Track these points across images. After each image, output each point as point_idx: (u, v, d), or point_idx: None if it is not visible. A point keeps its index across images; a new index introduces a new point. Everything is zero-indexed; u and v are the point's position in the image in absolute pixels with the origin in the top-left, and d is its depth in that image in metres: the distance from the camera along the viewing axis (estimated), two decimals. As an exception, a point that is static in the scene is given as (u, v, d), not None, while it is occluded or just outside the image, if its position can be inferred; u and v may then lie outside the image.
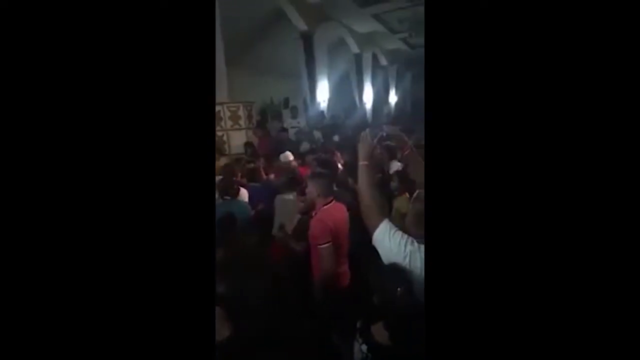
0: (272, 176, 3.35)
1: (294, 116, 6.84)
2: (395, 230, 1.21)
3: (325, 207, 1.97)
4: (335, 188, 2.27)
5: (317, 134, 5.86)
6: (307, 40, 6.89)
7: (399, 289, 1.10)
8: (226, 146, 4.67)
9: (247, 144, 4.54)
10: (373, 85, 9.95)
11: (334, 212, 1.95)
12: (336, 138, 5.43)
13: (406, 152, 1.48)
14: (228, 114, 4.75)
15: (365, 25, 8.37)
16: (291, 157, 3.49)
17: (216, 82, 5.17)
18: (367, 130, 1.41)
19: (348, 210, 2.04)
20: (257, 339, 0.95)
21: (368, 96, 9.73)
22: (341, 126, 6.94)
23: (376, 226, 1.22)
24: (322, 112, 7.34)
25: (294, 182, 2.68)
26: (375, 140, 1.36)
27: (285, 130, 5.83)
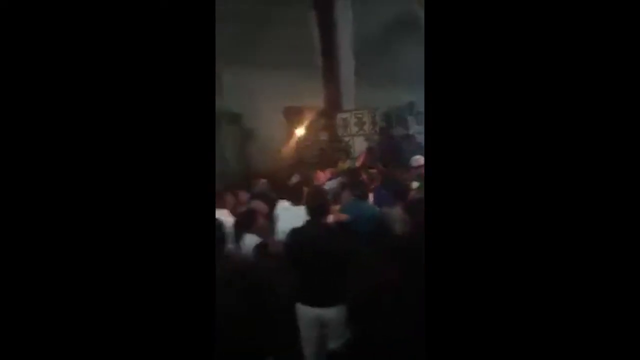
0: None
1: (419, 122, 6.66)
2: None
3: None
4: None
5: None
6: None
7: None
8: (352, 150, 4.87)
9: (369, 150, 4.64)
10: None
11: None
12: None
13: None
14: (354, 120, 4.95)
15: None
16: (422, 161, 3.41)
17: (344, 90, 5.43)
18: None
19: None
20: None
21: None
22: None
23: None
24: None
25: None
26: None
27: (410, 136, 5.74)
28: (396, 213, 2.27)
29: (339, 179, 3.17)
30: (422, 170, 3.18)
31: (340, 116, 5.06)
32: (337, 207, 2.39)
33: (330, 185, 3.11)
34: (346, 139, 4.94)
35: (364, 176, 3.38)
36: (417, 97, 7.70)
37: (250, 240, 1.86)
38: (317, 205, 1.69)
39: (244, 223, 1.96)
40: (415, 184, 2.92)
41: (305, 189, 2.25)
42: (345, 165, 4.24)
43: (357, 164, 4.21)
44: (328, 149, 4.83)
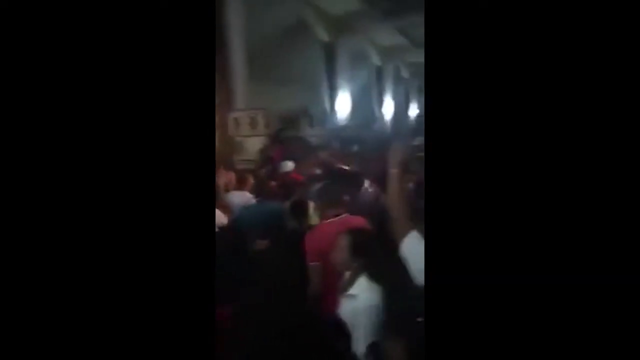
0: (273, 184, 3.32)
1: (312, 125, 6.86)
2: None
3: (328, 221, 1.73)
4: (345, 198, 2.17)
5: (336, 144, 5.85)
6: (329, 51, 6.95)
7: (419, 319, 1.06)
8: (244, 151, 4.75)
9: (261, 151, 4.59)
10: (394, 97, 9.92)
11: (338, 228, 1.60)
12: (355, 148, 5.41)
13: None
14: (247, 120, 4.81)
15: (388, 38, 8.38)
16: (290, 167, 3.46)
17: (238, 90, 5.28)
18: (399, 138, 1.42)
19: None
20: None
21: (388, 108, 9.69)
22: (361, 137, 6.92)
23: (405, 235, 1.18)
24: (342, 122, 7.35)
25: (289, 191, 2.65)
26: (408, 150, 1.34)
27: (300, 139, 5.86)
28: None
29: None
30: (294, 177, 3.27)
31: (232, 115, 4.88)
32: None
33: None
34: (237, 139, 4.77)
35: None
36: (309, 100, 7.98)
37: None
38: None
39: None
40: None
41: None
42: (238, 166, 4.09)
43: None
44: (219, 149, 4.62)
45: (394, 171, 1.29)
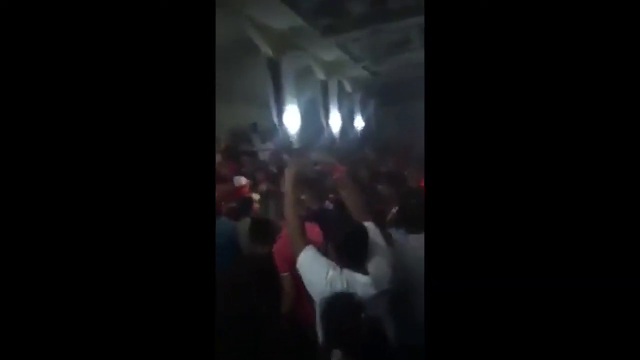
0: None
1: (264, 140, 6.86)
2: (319, 256, 1.22)
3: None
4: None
5: (286, 157, 5.90)
6: (274, 67, 7.03)
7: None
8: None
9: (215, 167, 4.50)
10: (340, 110, 10.22)
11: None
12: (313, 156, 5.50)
13: (336, 176, 1.51)
14: (197, 137, 4.70)
15: (330, 54, 8.68)
16: (244, 182, 3.47)
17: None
18: (293, 155, 1.46)
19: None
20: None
21: (335, 121, 9.96)
22: (311, 149, 7.03)
23: (300, 251, 1.22)
24: (291, 136, 7.42)
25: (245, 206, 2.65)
26: (301, 167, 1.41)
27: (252, 153, 5.83)
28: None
29: None
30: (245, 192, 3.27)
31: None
32: None
33: None
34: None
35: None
36: (258, 116, 7.98)
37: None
38: None
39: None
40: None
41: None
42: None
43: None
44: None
45: (286, 190, 1.35)
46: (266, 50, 6.80)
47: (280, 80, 7.13)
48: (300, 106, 7.84)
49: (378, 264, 1.26)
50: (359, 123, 12.17)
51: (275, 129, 7.42)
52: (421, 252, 1.72)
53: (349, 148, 8.54)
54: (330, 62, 9.34)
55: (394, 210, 2.43)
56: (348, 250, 1.25)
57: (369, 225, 1.35)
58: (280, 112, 7.24)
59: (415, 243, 1.83)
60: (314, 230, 1.83)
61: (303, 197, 2.28)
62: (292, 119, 7.40)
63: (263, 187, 3.34)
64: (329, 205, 2.50)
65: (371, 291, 1.19)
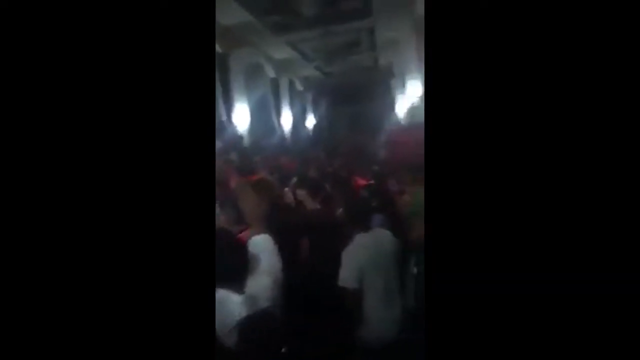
0: None
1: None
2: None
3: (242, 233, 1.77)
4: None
5: (234, 155, 5.77)
6: (222, 63, 6.85)
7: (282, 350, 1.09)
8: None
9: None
10: (291, 109, 10.20)
11: None
12: (257, 159, 5.41)
13: (233, 184, 1.53)
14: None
15: (281, 52, 8.63)
16: None
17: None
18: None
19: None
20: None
21: (287, 119, 9.92)
22: (261, 148, 6.94)
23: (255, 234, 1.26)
24: (241, 134, 7.28)
25: None
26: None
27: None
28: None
29: None
30: None
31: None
32: None
33: None
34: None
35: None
36: (206, 113, 7.73)
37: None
38: None
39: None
40: None
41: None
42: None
43: None
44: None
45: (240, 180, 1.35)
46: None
47: (228, 77, 6.96)
48: (249, 103, 7.72)
49: (257, 282, 1.15)
50: (310, 122, 12.23)
51: (223, 126, 7.23)
52: (369, 252, 1.83)
53: (300, 147, 8.55)
54: (281, 61, 9.28)
55: (340, 210, 2.48)
56: (223, 268, 1.16)
57: (263, 237, 1.25)
58: (228, 109, 7.06)
59: (361, 240, 1.89)
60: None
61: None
62: (241, 116, 7.25)
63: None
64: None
65: (243, 312, 1.05)
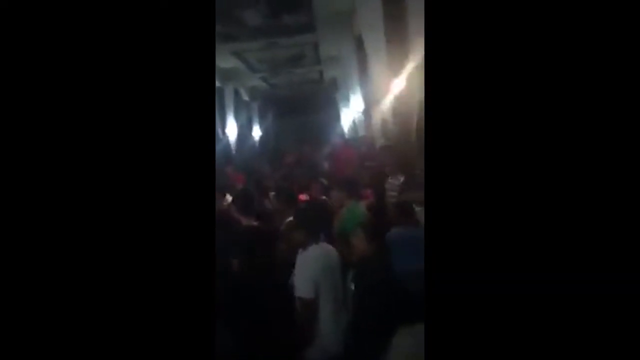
0: None
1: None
2: None
3: None
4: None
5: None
6: (164, 70, 6.60)
7: None
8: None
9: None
10: (236, 119, 10.06)
11: None
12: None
13: None
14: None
15: (226, 61, 8.52)
16: None
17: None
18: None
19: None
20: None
21: (232, 129, 9.77)
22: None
23: None
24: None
25: None
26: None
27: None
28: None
29: None
30: None
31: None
32: None
33: None
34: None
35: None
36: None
37: None
38: None
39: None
40: None
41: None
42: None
43: None
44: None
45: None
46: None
47: (170, 84, 6.72)
48: (192, 112, 7.49)
49: None
50: (256, 132, 12.14)
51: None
52: (321, 264, 1.86)
53: (244, 158, 8.44)
54: (226, 70, 9.16)
55: (288, 220, 2.49)
56: None
57: None
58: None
59: (314, 252, 1.91)
60: None
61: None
62: (183, 125, 7.02)
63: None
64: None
65: None
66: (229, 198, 2.79)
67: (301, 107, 12.43)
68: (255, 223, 2.47)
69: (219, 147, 8.85)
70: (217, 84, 9.12)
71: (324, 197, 3.27)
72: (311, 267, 1.85)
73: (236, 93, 10.51)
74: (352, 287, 1.81)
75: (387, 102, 3.93)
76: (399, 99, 3.57)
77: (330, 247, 2.06)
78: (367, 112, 6.53)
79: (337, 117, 10.43)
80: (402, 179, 3.03)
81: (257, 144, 11.75)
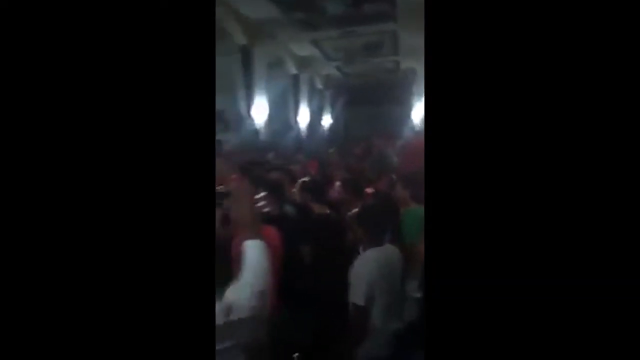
0: None
1: (227, 130, 6.73)
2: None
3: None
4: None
5: (251, 151, 5.83)
6: (246, 55, 6.91)
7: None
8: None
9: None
10: (309, 106, 10.23)
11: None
12: (271, 156, 5.45)
13: (231, 185, 1.41)
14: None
15: (304, 49, 8.66)
16: None
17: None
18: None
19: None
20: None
21: (304, 117, 9.95)
22: (276, 144, 6.99)
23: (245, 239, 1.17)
24: (257, 128, 7.33)
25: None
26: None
27: (217, 142, 5.70)
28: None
29: None
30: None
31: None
32: None
33: None
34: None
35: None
36: (225, 104, 7.81)
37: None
38: None
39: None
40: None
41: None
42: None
43: None
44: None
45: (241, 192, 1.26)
46: (239, 38, 6.66)
47: (251, 70, 7.01)
48: (269, 98, 7.76)
49: (236, 291, 1.10)
50: (327, 121, 12.24)
51: (241, 119, 7.29)
52: (379, 267, 1.82)
53: (315, 146, 8.56)
54: (302, 57, 9.31)
55: (351, 213, 2.47)
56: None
57: (252, 243, 1.16)
58: (248, 103, 7.12)
59: (373, 254, 1.85)
60: (270, 232, 1.80)
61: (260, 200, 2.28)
62: (259, 110, 7.30)
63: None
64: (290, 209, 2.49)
65: (217, 320, 1.03)
66: (299, 183, 2.83)
67: (375, 98, 12.21)
68: (327, 211, 2.50)
69: (290, 134, 9.09)
70: (294, 71, 9.32)
71: (390, 194, 3.16)
72: (369, 271, 1.79)
73: (311, 81, 10.66)
74: (417, 295, 1.72)
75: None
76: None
77: (393, 248, 1.95)
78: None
79: (411, 110, 10.05)
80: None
81: (327, 133, 11.85)
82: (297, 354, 1.56)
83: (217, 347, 1.06)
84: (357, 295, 1.76)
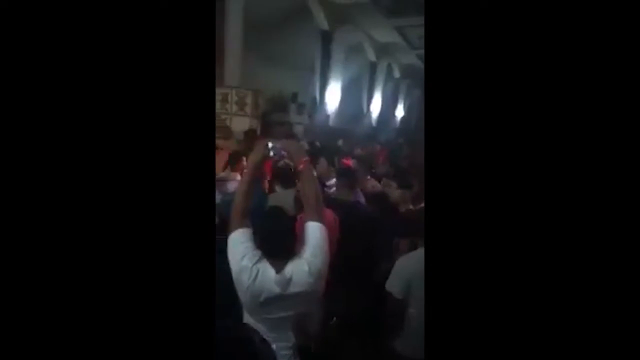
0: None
1: (300, 112, 6.82)
2: (245, 241, 1.19)
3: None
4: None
5: (321, 135, 5.85)
6: (327, 39, 6.88)
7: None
8: (229, 130, 4.66)
9: (249, 132, 4.53)
10: (383, 95, 9.98)
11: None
12: (340, 143, 5.42)
13: (300, 167, 1.44)
14: (235, 98, 4.72)
15: (386, 36, 8.38)
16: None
17: (230, 66, 5.16)
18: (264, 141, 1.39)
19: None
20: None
21: (376, 105, 9.75)
22: (346, 131, 6.94)
23: (233, 230, 1.21)
24: (330, 113, 7.34)
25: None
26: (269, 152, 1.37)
27: (287, 124, 5.82)
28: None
29: None
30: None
31: (220, 91, 4.76)
32: None
33: None
34: (223, 116, 4.68)
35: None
36: (300, 86, 7.93)
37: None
38: None
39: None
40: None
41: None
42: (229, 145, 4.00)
43: None
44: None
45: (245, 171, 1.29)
46: (321, 21, 6.64)
47: (329, 54, 6.99)
48: (344, 84, 7.70)
49: (296, 266, 1.18)
50: (399, 112, 11.87)
51: (314, 103, 7.34)
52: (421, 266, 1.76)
53: (385, 135, 8.36)
54: (383, 44, 9.03)
55: (418, 207, 2.39)
56: (271, 244, 1.19)
57: (313, 225, 1.25)
58: (323, 86, 7.14)
59: (414, 253, 1.82)
60: (329, 215, 1.82)
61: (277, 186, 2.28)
62: (333, 95, 7.29)
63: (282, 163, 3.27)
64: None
65: (275, 290, 1.14)
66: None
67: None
68: (411, 207, 2.45)
69: (361, 122, 8.95)
70: (372, 58, 9.10)
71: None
72: (409, 268, 1.75)
73: (389, 69, 10.34)
74: None
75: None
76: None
77: None
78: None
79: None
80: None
81: (398, 123, 11.51)
82: (334, 319, 1.60)
83: (271, 317, 1.13)
84: (394, 286, 1.76)
